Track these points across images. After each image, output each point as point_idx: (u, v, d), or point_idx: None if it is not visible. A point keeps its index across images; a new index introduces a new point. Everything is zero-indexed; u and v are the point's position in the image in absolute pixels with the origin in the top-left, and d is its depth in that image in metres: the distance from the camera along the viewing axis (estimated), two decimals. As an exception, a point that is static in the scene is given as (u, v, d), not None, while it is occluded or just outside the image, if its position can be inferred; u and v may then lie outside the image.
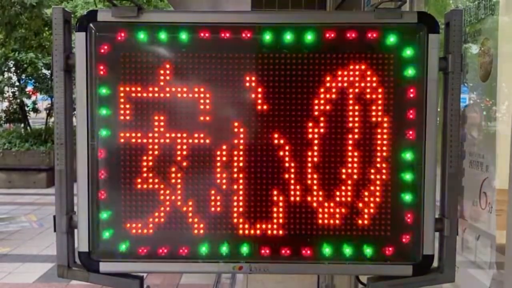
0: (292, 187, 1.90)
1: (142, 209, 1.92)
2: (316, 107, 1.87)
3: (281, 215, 1.91)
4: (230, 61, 1.87)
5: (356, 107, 1.87)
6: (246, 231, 1.92)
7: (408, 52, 1.84)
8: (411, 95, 1.85)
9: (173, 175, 1.91)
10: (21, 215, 10.47)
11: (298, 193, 1.90)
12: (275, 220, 1.91)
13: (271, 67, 1.87)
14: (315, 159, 1.89)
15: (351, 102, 1.87)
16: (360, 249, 1.90)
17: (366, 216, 1.90)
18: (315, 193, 1.90)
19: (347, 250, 1.90)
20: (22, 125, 16.16)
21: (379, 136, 1.88)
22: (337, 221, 1.90)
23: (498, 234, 2.09)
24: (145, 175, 1.91)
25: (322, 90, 1.87)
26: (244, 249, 1.92)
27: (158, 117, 1.89)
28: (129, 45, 1.87)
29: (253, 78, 1.87)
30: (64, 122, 1.90)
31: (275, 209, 1.91)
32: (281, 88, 1.87)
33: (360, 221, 1.90)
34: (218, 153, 1.90)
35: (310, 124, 1.88)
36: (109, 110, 1.89)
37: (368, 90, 1.86)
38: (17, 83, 15.60)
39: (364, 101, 1.87)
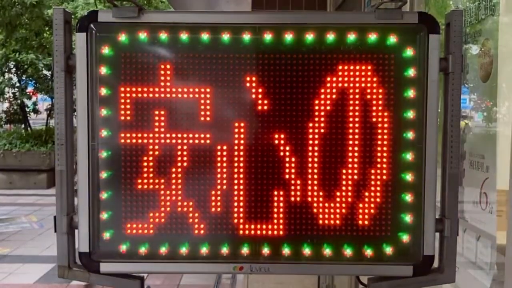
0: (292, 187, 1.90)
1: (143, 209, 1.92)
2: (317, 108, 1.87)
3: (281, 215, 1.91)
4: (231, 61, 1.88)
5: (357, 108, 1.87)
6: (247, 231, 1.92)
7: (409, 52, 1.84)
8: (412, 96, 1.85)
9: (173, 175, 1.91)
10: (21, 215, 10.49)
11: (298, 193, 1.90)
12: (275, 220, 1.92)
13: (272, 68, 1.87)
14: (316, 159, 1.89)
15: (351, 102, 1.87)
16: (360, 250, 1.90)
17: (366, 216, 1.90)
18: (315, 193, 1.90)
19: (348, 251, 1.90)
20: (23, 126, 16.18)
21: (379, 137, 1.88)
22: (338, 221, 1.91)
23: (498, 235, 2.09)
24: (145, 175, 1.91)
25: (322, 90, 1.87)
26: (245, 249, 1.92)
27: (158, 118, 1.89)
28: (129, 45, 1.88)
29: (254, 79, 1.87)
30: (64, 122, 1.90)
31: (275, 210, 1.91)
32: (281, 88, 1.88)
33: (360, 222, 1.90)
34: (219, 153, 1.90)
35: (311, 125, 1.88)
36: (110, 111, 1.89)
37: (368, 91, 1.86)
38: (17, 84, 15.63)
39: (364, 101, 1.87)
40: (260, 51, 1.87)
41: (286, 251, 1.91)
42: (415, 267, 1.89)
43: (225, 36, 1.86)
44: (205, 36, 1.87)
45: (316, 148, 1.89)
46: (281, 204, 1.91)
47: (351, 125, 1.88)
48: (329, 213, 1.90)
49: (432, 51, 1.83)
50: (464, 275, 2.32)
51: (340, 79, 1.86)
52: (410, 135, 1.86)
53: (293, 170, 1.90)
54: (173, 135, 1.90)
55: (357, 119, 1.87)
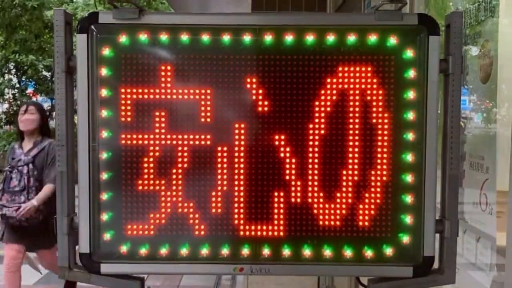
0: (293, 188, 1.91)
1: (143, 210, 1.92)
2: (317, 109, 1.88)
3: (281, 216, 1.92)
4: (231, 62, 1.88)
5: (357, 109, 1.87)
6: (247, 232, 1.92)
7: (409, 54, 1.85)
8: (412, 97, 1.85)
9: (174, 176, 1.91)
10: (21, 217, 10.46)
11: (299, 194, 1.91)
12: (276, 221, 1.92)
13: (272, 69, 1.88)
14: (316, 160, 1.89)
15: (351, 103, 1.88)
16: (360, 250, 1.90)
17: (366, 217, 1.90)
18: (316, 194, 1.91)
19: (348, 251, 1.90)
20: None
21: (379, 138, 1.88)
22: (338, 222, 1.91)
23: (498, 236, 2.09)
24: (146, 176, 1.91)
25: (322, 91, 1.87)
26: (245, 250, 1.92)
27: (159, 119, 1.89)
28: (130, 46, 1.88)
29: (254, 80, 1.88)
30: (65, 123, 1.90)
31: (275, 211, 1.91)
32: (282, 89, 1.88)
33: (360, 222, 1.90)
34: (219, 154, 1.90)
35: (311, 126, 1.88)
36: (110, 112, 1.89)
37: (368, 92, 1.87)
38: (17, 85, 15.63)
39: (364, 103, 1.87)
40: (260, 52, 1.88)
41: (286, 252, 1.92)
42: (415, 268, 1.89)
43: (225, 38, 1.87)
44: (205, 38, 1.87)
45: (316, 149, 1.89)
46: (281, 205, 1.91)
47: (351, 126, 1.88)
48: (329, 214, 1.91)
49: (432, 52, 1.83)
50: (464, 276, 2.32)
51: (340, 80, 1.87)
52: (410, 136, 1.86)
53: (293, 171, 1.90)
54: (174, 136, 1.90)
55: (357, 120, 1.88)
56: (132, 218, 1.92)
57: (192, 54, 1.89)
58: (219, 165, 1.91)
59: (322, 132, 1.89)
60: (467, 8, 2.37)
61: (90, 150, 1.89)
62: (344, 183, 1.90)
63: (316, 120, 1.88)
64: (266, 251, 1.92)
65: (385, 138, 1.88)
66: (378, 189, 1.89)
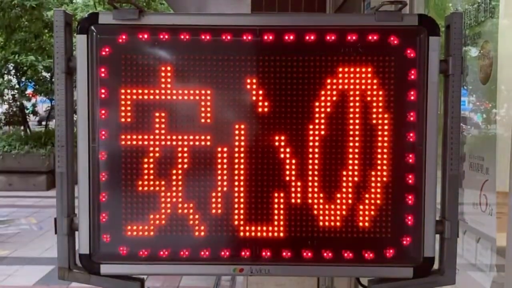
0: (293, 189, 1.91)
1: (143, 211, 1.92)
2: (317, 110, 1.88)
3: (282, 217, 1.92)
4: (231, 63, 1.88)
5: (357, 110, 1.87)
6: (247, 233, 1.92)
7: (409, 54, 1.85)
8: (412, 98, 1.86)
9: (174, 177, 1.91)
10: (21, 217, 10.48)
11: (299, 195, 1.91)
12: (276, 222, 1.92)
13: (272, 70, 1.88)
14: (316, 161, 1.89)
15: (351, 104, 1.88)
16: (360, 251, 1.90)
17: (367, 218, 1.90)
18: (316, 195, 1.91)
19: (348, 252, 1.90)
20: (22, 127, 16.17)
21: (379, 139, 1.88)
22: (338, 223, 1.91)
23: (498, 237, 2.09)
24: (146, 177, 1.91)
25: (323, 92, 1.87)
26: (245, 251, 1.92)
27: (159, 119, 1.89)
28: (130, 47, 1.88)
29: (254, 80, 1.88)
30: (65, 124, 1.90)
31: (276, 211, 1.91)
32: (282, 90, 1.88)
33: (361, 223, 1.90)
34: (219, 155, 1.90)
35: (311, 127, 1.88)
36: (110, 113, 1.89)
37: (368, 93, 1.87)
38: (17, 86, 15.62)
39: (364, 103, 1.87)
40: (260, 53, 1.88)
41: (286, 253, 1.91)
42: (415, 268, 1.89)
43: (225, 38, 1.87)
44: (205, 38, 1.87)
45: (316, 150, 1.89)
46: (282, 206, 1.91)
47: (351, 127, 1.88)
48: (329, 215, 1.91)
49: (432, 53, 1.83)
50: (464, 277, 2.32)
51: (340, 81, 1.87)
52: (410, 137, 1.86)
53: (293, 172, 1.90)
54: (174, 137, 1.90)
55: (357, 121, 1.88)
56: (132, 218, 1.92)
57: (192, 55, 1.88)
58: (219, 166, 1.91)
59: (322, 132, 1.89)
60: (466, 9, 2.37)
61: (90, 150, 1.89)
62: (344, 184, 1.90)
63: (316, 121, 1.88)
64: (266, 252, 1.92)
65: (385, 138, 1.88)
66: (378, 190, 1.89)
